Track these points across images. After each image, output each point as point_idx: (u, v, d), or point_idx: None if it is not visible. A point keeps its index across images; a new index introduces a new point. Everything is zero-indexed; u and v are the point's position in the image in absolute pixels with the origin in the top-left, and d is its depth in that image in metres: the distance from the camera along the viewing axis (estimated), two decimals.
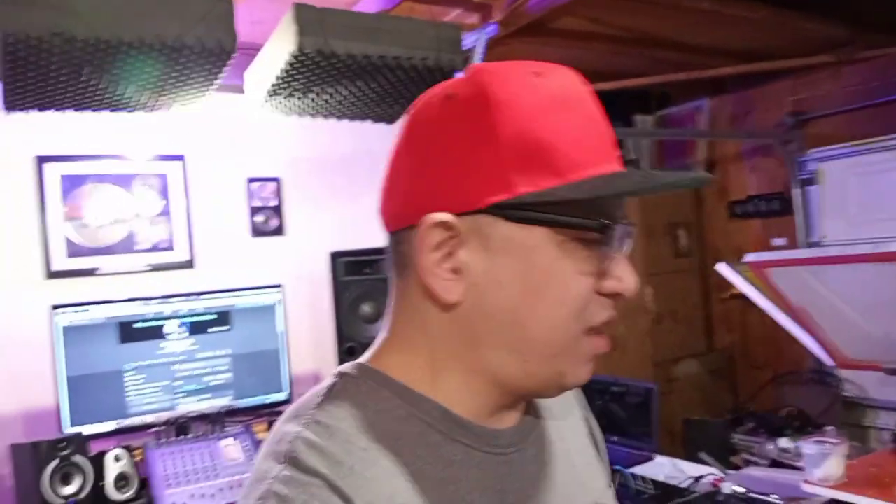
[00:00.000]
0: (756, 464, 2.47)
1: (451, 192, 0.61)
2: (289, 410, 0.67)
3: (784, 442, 2.44)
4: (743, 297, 2.81)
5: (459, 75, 0.66)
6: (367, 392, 0.65)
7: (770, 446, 2.47)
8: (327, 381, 0.67)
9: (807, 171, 3.25)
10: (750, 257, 2.04)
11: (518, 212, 0.59)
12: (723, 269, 2.26)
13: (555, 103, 0.61)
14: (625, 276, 0.63)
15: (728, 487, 1.95)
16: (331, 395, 0.65)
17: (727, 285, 3.02)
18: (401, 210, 0.65)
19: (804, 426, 2.55)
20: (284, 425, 0.64)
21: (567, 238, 0.61)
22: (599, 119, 0.64)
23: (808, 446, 1.85)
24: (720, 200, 3.80)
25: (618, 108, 3.66)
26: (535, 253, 0.60)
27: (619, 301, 0.64)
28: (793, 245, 3.37)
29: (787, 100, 3.42)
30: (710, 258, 3.86)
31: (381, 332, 0.70)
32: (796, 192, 3.30)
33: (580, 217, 0.60)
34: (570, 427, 0.79)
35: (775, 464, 2.42)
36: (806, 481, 1.85)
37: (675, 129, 3.97)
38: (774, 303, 2.13)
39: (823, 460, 1.80)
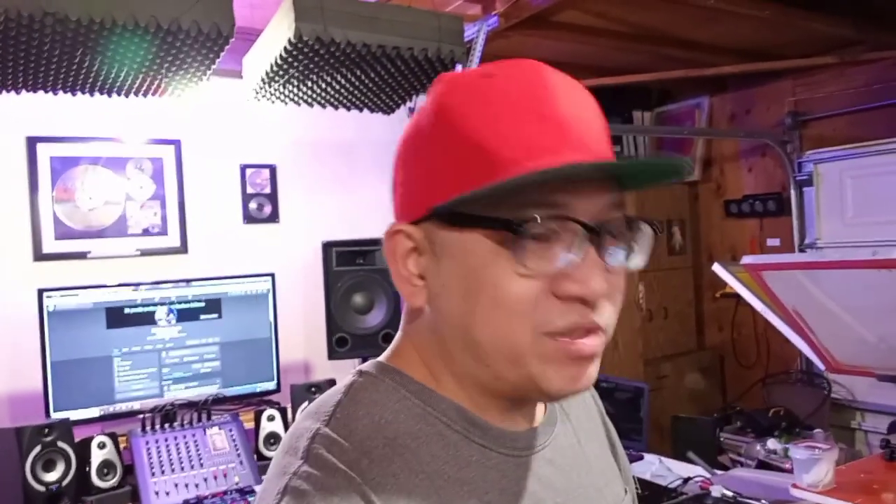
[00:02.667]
0: (743, 464, 2.47)
1: (410, 201, 0.65)
2: (309, 407, 0.67)
3: (772, 443, 2.44)
4: (735, 296, 2.81)
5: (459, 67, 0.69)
6: (385, 391, 0.65)
7: (758, 447, 2.47)
8: (347, 379, 0.68)
9: (804, 172, 3.25)
10: (746, 259, 2.02)
11: (448, 216, 0.60)
12: (718, 269, 2.24)
13: (494, 103, 0.60)
14: (587, 279, 0.58)
15: (717, 490, 1.95)
16: (350, 392, 0.66)
17: (719, 284, 3.02)
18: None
19: (792, 427, 2.55)
20: (304, 421, 0.65)
21: (505, 239, 0.58)
22: (554, 112, 0.60)
23: (798, 451, 1.84)
24: (716, 199, 3.79)
25: (617, 103, 3.64)
26: (469, 255, 0.60)
27: (587, 306, 0.59)
28: (787, 246, 3.37)
29: (787, 100, 3.40)
30: (703, 256, 3.87)
31: (399, 331, 0.71)
32: (793, 193, 3.29)
33: (502, 217, 0.57)
34: (587, 430, 0.79)
35: (762, 465, 2.42)
36: (795, 485, 1.85)
37: (671, 127, 3.95)
38: (768, 305, 2.12)
39: (813, 465, 1.80)
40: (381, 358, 0.70)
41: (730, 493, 1.92)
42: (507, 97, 0.60)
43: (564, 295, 0.58)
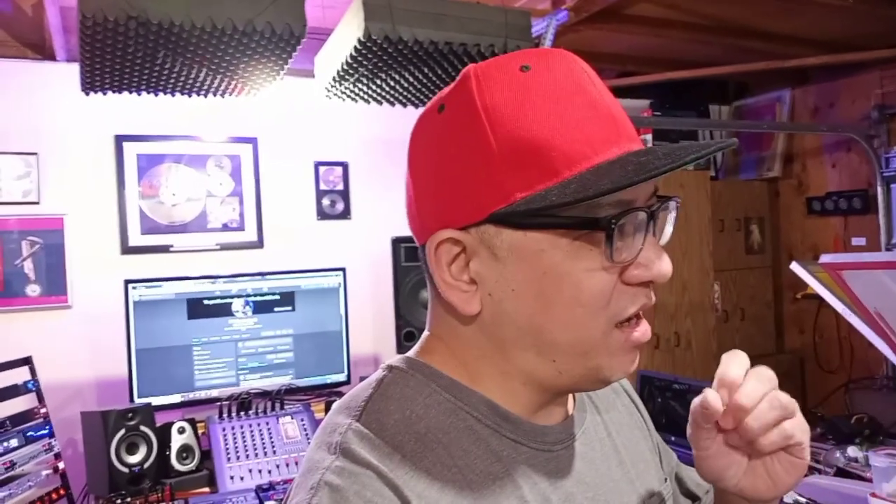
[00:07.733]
0: (821, 471, 2.38)
1: (455, 207, 0.61)
2: (340, 402, 0.68)
3: (853, 450, 2.34)
4: (817, 298, 2.70)
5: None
6: (415, 385, 0.65)
7: (837, 454, 2.37)
8: (377, 373, 0.69)
9: (891, 168, 3.09)
10: (825, 258, 1.94)
11: (516, 218, 0.58)
12: (796, 268, 2.16)
13: (545, 98, 0.59)
14: (652, 262, 0.60)
15: (790, 496, 1.89)
16: (381, 387, 0.66)
17: (801, 284, 2.90)
18: (419, 228, 0.67)
19: (875, 435, 2.44)
20: (336, 416, 0.65)
21: (575, 236, 0.58)
22: (602, 103, 0.60)
23: (878, 458, 1.77)
24: (798, 196, 3.65)
25: (693, 97, 3.55)
26: (541, 257, 0.59)
27: (652, 287, 0.62)
28: (873, 245, 3.22)
29: (873, 92, 3.25)
30: (783, 256, 3.73)
31: (426, 328, 0.71)
32: (879, 190, 3.14)
33: (580, 215, 0.57)
34: (618, 422, 0.78)
35: (841, 473, 2.32)
36: (873, 495, 1.77)
37: (751, 121, 3.82)
38: (849, 306, 2.03)
39: (894, 474, 1.72)
40: (410, 353, 0.70)
41: (803, 500, 1.86)
42: (553, 91, 0.59)
43: (636, 281, 0.60)
